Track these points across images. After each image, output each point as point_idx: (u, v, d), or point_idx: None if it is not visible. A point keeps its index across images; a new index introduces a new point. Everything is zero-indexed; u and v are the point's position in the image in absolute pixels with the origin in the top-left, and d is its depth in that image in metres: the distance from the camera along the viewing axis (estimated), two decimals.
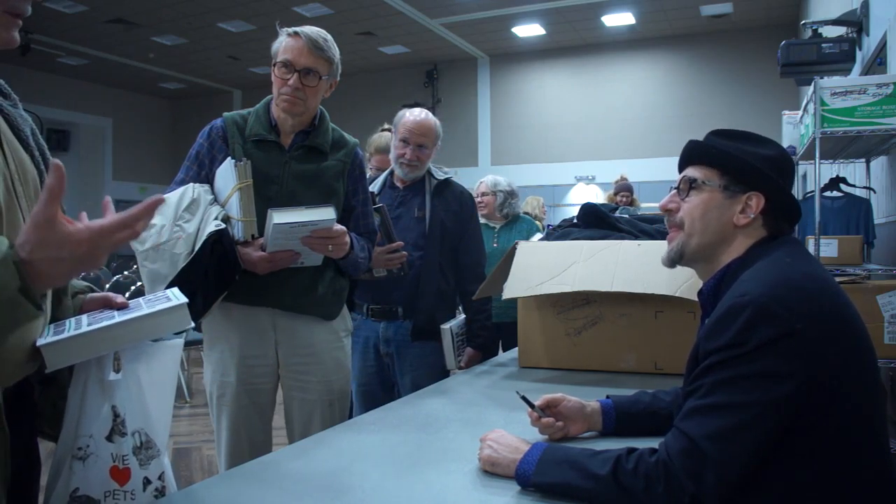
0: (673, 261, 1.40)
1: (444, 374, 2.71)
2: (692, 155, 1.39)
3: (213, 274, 1.96)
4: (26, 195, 1.15)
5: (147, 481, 1.20)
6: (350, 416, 2.43)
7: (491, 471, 1.32)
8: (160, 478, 1.22)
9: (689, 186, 1.36)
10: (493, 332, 2.96)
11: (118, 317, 1.17)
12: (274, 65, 2.09)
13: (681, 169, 1.42)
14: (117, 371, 1.19)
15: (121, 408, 1.18)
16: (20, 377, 1.10)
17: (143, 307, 1.20)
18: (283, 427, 2.25)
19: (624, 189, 6.15)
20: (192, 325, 1.24)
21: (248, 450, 2.11)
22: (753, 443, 1.09)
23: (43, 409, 1.26)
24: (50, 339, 1.10)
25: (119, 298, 1.28)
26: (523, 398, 1.53)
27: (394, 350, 2.73)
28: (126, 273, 7.93)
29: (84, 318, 1.19)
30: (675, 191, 1.40)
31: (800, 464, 1.11)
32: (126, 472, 1.17)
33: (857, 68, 4.79)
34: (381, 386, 2.79)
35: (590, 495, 1.16)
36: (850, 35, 4.71)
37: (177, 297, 1.23)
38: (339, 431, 1.71)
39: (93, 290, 1.36)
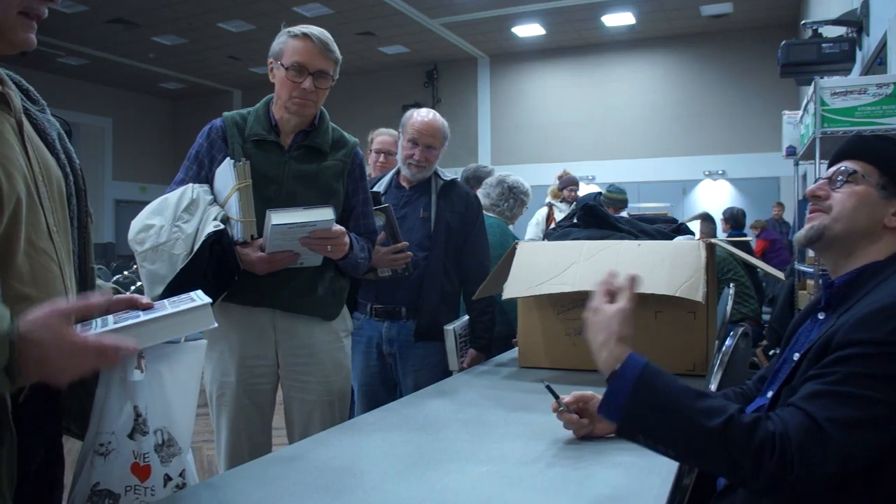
0: (811, 240, 1.34)
1: (447, 374, 2.70)
2: (853, 149, 1.35)
3: (213, 275, 1.95)
4: (50, 196, 1.20)
5: (168, 478, 1.25)
6: (352, 416, 2.42)
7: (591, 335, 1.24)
8: (181, 475, 1.27)
9: (845, 177, 1.32)
10: (494, 333, 2.95)
11: (143, 316, 1.20)
12: (281, 66, 2.07)
13: (835, 160, 1.38)
14: (141, 371, 1.24)
15: (142, 407, 1.23)
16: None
17: (167, 308, 1.24)
18: (282, 427, 2.24)
19: (570, 183, 6.04)
20: (216, 325, 1.27)
21: (248, 450, 2.11)
22: (880, 441, 1.04)
23: (69, 408, 1.31)
24: None
25: (144, 299, 1.31)
26: (548, 388, 1.52)
27: (396, 350, 2.73)
28: (126, 273, 7.94)
29: (110, 317, 1.22)
30: (825, 180, 1.36)
31: None
32: (146, 469, 1.23)
33: (857, 68, 4.79)
34: (383, 386, 2.79)
35: (686, 442, 1.09)
36: (850, 35, 4.71)
37: (200, 298, 1.28)
38: (339, 432, 1.70)
39: (119, 293, 1.39)
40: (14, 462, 1.11)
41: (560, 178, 5.92)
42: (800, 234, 1.37)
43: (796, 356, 1.28)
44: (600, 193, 5.40)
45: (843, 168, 1.34)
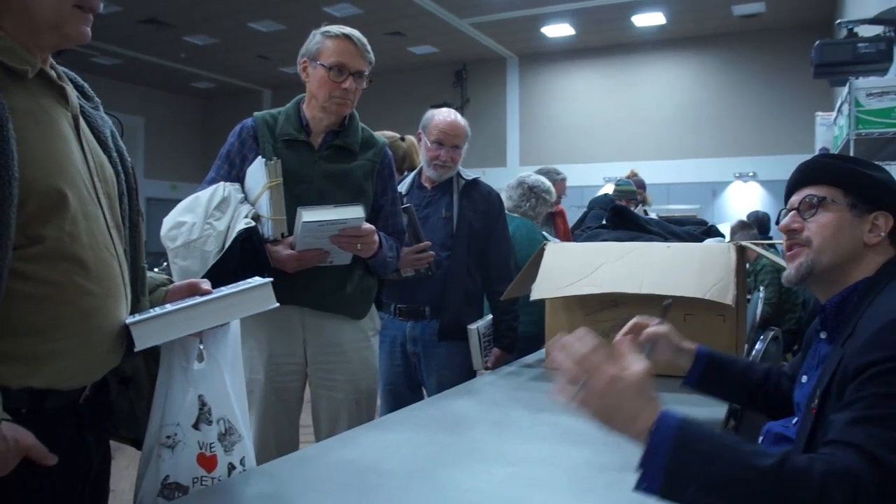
0: (803, 278, 1.34)
1: (471, 374, 2.71)
2: (812, 175, 1.36)
3: (243, 271, 1.97)
4: (106, 192, 1.20)
5: (231, 467, 1.25)
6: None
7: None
8: (242, 462, 1.27)
9: (813, 205, 1.33)
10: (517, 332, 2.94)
11: (204, 297, 1.21)
12: (320, 66, 2.08)
13: (793, 189, 1.39)
14: (201, 360, 1.23)
15: (207, 396, 1.22)
16: (109, 367, 1.17)
17: (225, 291, 1.24)
18: (310, 425, 2.26)
19: (638, 185, 6.15)
20: (277, 304, 1.28)
21: (276, 447, 2.12)
22: None
23: (120, 410, 1.30)
24: (138, 317, 1.15)
25: (205, 284, 1.30)
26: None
27: (420, 350, 2.73)
28: (156, 269, 8.03)
29: (168, 305, 1.22)
30: (794, 212, 1.36)
31: None
32: (213, 459, 1.22)
33: (894, 68, 4.69)
34: (407, 385, 2.79)
35: (737, 485, 0.99)
36: (888, 34, 4.62)
37: (258, 279, 1.28)
38: (365, 430, 1.71)
39: (172, 283, 1.39)
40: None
41: (628, 178, 6.07)
42: (789, 274, 1.36)
43: (804, 378, 1.33)
44: (608, 194, 5.59)
45: (808, 197, 1.34)
